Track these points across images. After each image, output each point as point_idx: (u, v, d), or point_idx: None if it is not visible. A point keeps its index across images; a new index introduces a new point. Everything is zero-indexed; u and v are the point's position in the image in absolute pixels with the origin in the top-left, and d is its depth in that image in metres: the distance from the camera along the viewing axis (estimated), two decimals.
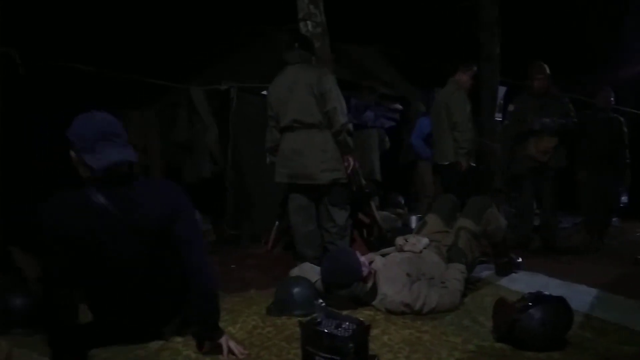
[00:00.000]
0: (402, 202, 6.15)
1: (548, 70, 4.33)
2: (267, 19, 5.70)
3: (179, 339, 2.04)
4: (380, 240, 4.13)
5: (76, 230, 1.74)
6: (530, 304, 1.99)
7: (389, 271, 2.56)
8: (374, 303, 2.52)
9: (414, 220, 4.91)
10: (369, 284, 2.52)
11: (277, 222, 4.29)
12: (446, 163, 4.44)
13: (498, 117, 6.35)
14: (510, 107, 4.63)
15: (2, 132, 2.71)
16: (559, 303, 2.03)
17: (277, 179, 3.53)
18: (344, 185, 3.46)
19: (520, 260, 3.34)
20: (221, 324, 2.01)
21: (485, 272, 3.24)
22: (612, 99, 4.71)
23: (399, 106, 6.06)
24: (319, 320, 1.87)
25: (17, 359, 0.87)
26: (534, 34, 7.49)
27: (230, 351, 1.93)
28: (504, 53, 6.42)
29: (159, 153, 5.16)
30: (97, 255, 1.80)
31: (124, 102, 5.33)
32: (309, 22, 4.13)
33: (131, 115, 5.28)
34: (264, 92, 4.86)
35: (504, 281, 3.09)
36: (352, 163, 3.40)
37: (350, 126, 3.37)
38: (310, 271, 2.80)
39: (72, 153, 1.81)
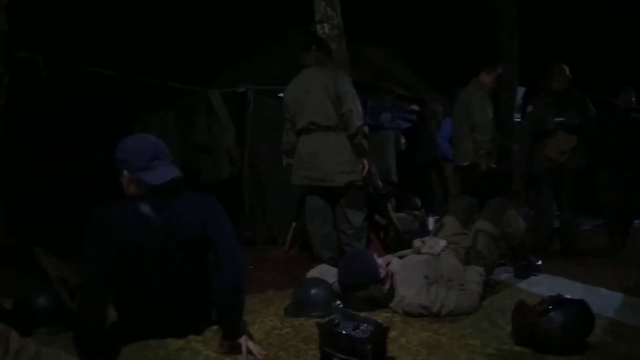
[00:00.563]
0: (419, 203, 6.12)
1: (568, 71, 4.27)
2: (284, 22, 5.73)
3: (198, 338, 2.06)
4: (397, 242, 4.11)
5: (122, 239, 1.87)
6: (550, 307, 1.97)
7: (407, 273, 2.55)
8: (391, 305, 2.52)
9: (431, 222, 4.89)
10: (386, 286, 2.52)
11: (294, 224, 4.31)
12: (465, 164, 4.41)
13: (517, 117, 6.28)
14: (529, 108, 4.59)
15: (5, 132, 2.79)
16: (580, 306, 2.00)
17: (294, 181, 3.55)
18: (360, 187, 3.46)
19: (539, 262, 3.30)
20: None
21: (504, 274, 3.21)
22: (633, 99, 4.63)
23: (415, 107, 6.04)
24: (337, 321, 1.88)
25: (46, 357, 0.90)
26: (553, 33, 7.40)
27: (249, 351, 1.95)
28: (523, 53, 6.36)
29: (178, 155, 5.22)
30: (137, 261, 1.91)
31: (144, 105, 5.42)
32: (325, 24, 4.16)
33: (151, 118, 5.36)
34: (281, 95, 4.89)
35: (523, 284, 3.06)
36: (366, 166, 3.40)
37: (366, 129, 3.37)
38: (327, 273, 2.80)
39: (125, 172, 1.97)
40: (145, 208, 1.92)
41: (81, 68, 4.00)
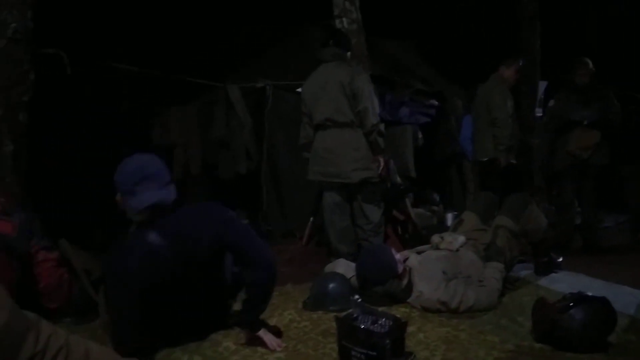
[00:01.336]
0: (438, 199, 6.08)
1: (591, 65, 4.19)
2: (303, 16, 5.73)
3: (218, 330, 2.10)
4: (415, 238, 4.10)
5: (138, 282, 1.82)
6: (571, 304, 1.94)
7: (425, 269, 2.55)
8: (409, 300, 2.52)
9: (449, 218, 4.86)
10: (404, 281, 2.52)
11: (311, 218, 4.33)
12: (485, 159, 4.37)
13: (538, 112, 6.20)
14: (551, 103, 4.52)
15: (30, 128, 2.85)
16: (602, 304, 1.98)
17: (310, 177, 3.56)
18: (377, 183, 3.46)
19: (560, 259, 3.26)
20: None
21: (524, 271, 3.18)
22: None
23: (434, 102, 5.99)
24: (355, 315, 1.89)
25: (75, 345, 0.93)
26: (576, 27, 7.26)
27: (267, 343, 1.97)
28: (544, 47, 6.26)
29: (198, 150, 5.28)
30: (153, 288, 1.87)
31: (165, 100, 5.48)
32: (344, 18, 4.15)
33: (172, 113, 5.43)
34: (299, 90, 4.91)
35: (544, 281, 3.02)
36: (382, 163, 3.38)
37: (382, 126, 3.35)
38: (345, 267, 2.82)
39: (118, 194, 1.92)
40: (151, 239, 1.85)
41: (104, 64, 4.06)
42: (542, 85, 6.39)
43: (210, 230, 1.93)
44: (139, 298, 1.81)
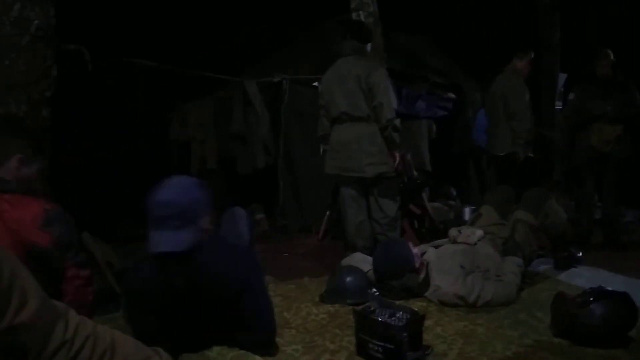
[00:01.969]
0: (455, 193, 6.05)
1: (612, 56, 4.11)
2: (319, 10, 5.72)
3: None
4: (431, 232, 4.09)
5: (152, 299, 1.78)
6: (591, 299, 1.93)
7: (442, 263, 2.55)
8: (426, 294, 2.52)
9: (467, 212, 4.82)
10: (421, 275, 2.52)
11: (327, 213, 4.35)
12: (502, 154, 4.33)
13: (558, 105, 6.10)
14: (571, 95, 4.44)
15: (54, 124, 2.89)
16: (622, 299, 1.96)
17: (327, 170, 3.57)
18: (393, 177, 3.44)
19: (580, 254, 3.22)
20: (276, 309, 2.07)
21: (543, 266, 3.15)
22: None
23: (452, 95, 5.94)
24: (372, 308, 1.90)
25: (102, 334, 0.96)
26: (596, 18, 7.12)
27: None
28: (564, 39, 6.16)
29: (215, 144, 5.33)
30: (166, 319, 1.82)
31: (183, 95, 5.54)
32: (361, 12, 4.14)
33: (189, 108, 5.49)
34: (316, 84, 4.91)
35: (563, 276, 2.99)
36: (397, 159, 3.37)
37: (397, 122, 3.29)
38: (362, 261, 2.83)
39: None
40: (162, 274, 1.75)
41: (124, 60, 4.11)
42: (562, 77, 6.28)
43: (232, 284, 1.78)
44: (147, 315, 1.79)
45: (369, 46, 3.50)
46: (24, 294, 0.84)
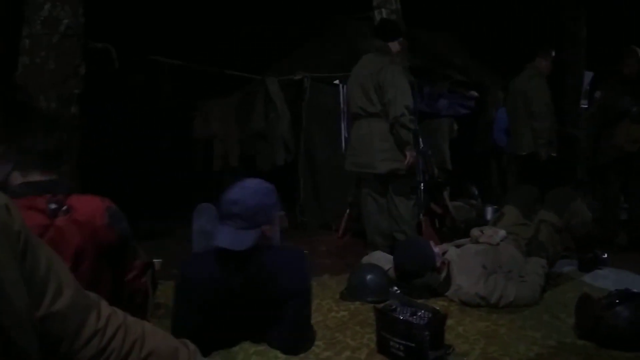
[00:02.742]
0: (476, 192, 5.99)
1: None
2: (341, 8, 5.71)
3: None
4: (452, 231, 4.06)
5: (204, 292, 1.80)
6: (617, 300, 1.90)
7: (464, 262, 2.53)
8: (447, 294, 2.51)
9: (489, 212, 4.78)
10: (443, 275, 2.51)
11: (347, 210, 4.35)
12: (524, 153, 4.27)
13: (583, 104, 5.99)
14: (597, 94, 4.36)
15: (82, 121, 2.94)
16: None
17: (346, 167, 3.60)
18: (406, 175, 3.42)
19: (605, 256, 3.16)
20: None
21: (567, 267, 3.10)
22: None
23: (474, 93, 5.88)
24: (394, 307, 1.90)
25: (132, 325, 0.98)
26: (624, 14, 6.95)
27: None
28: (590, 35, 6.03)
29: (237, 141, 5.38)
30: (212, 314, 1.82)
31: (206, 93, 5.60)
32: (383, 9, 4.14)
33: (212, 106, 5.55)
34: (336, 82, 4.92)
35: (588, 277, 2.94)
36: (409, 158, 3.33)
37: (405, 119, 3.27)
38: (382, 259, 2.83)
39: None
40: (224, 269, 1.78)
41: (149, 58, 4.18)
42: (588, 75, 6.16)
43: (286, 287, 1.80)
44: (194, 307, 1.79)
45: (395, 44, 3.46)
46: (59, 283, 0.87)
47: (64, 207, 1.33)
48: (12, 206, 0.82)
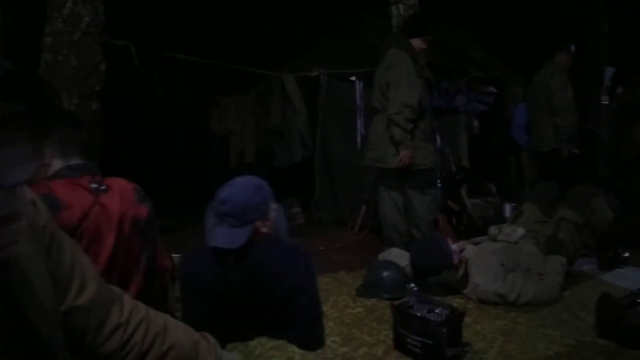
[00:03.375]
0: (494, 190, 5.92)
1: None
2: (358, 4, 5.68)
3: None
4: (470, 229, 4.03)
5: (205, 287, 1.81)
6: (639, 300, 1.87)
7: (482, 260, 2.51)
8: (465, 292, 2.49)
9: (507, 209, 4.72)
10: (460, 272, 2.49)
11: (363, 207, 4.34)
12: (545, 150, 4.21)
13: (605, 100, 5.87)
14: (619, 90, 4.29)
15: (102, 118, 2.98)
16: None
17: (365, 162, 3.61)
18: (422, 171, 3.39)
19: (626, 254, 3.11)
20: None
21: (587, 265, 3.06)
22: None
23: (493, 89, 5.81)
24: (411, 304, 1.90)
25: (154, 319, 1.00)
26: None
27: None
28: (612, 31, 5.91)
29: (253, 138, 5.41)
30: (216, 310, 1.83)
31: (223, 90, 5.63)
32: (401, 5, 4.11)
33: (229, 103, 5.59)
34: (352, 78, 4.90)
35: (608, 276, 2.89)
36: (401, 157, 3.26)
37: (399, 118, 3.21)
38: (399, 256, 2.82)
39: None
40: (223, 265, 1.78)
41: (167, 55, 4.22)
42: (609, 71, 6.04)
43: (287, 285, 1.79)
44: (199, 301, 1.81)
45: (418, 40, 3.41)
46: (83, 277, 0.89)
47: (103, 187, 1.44)
48: (39, 202, 0.84)
